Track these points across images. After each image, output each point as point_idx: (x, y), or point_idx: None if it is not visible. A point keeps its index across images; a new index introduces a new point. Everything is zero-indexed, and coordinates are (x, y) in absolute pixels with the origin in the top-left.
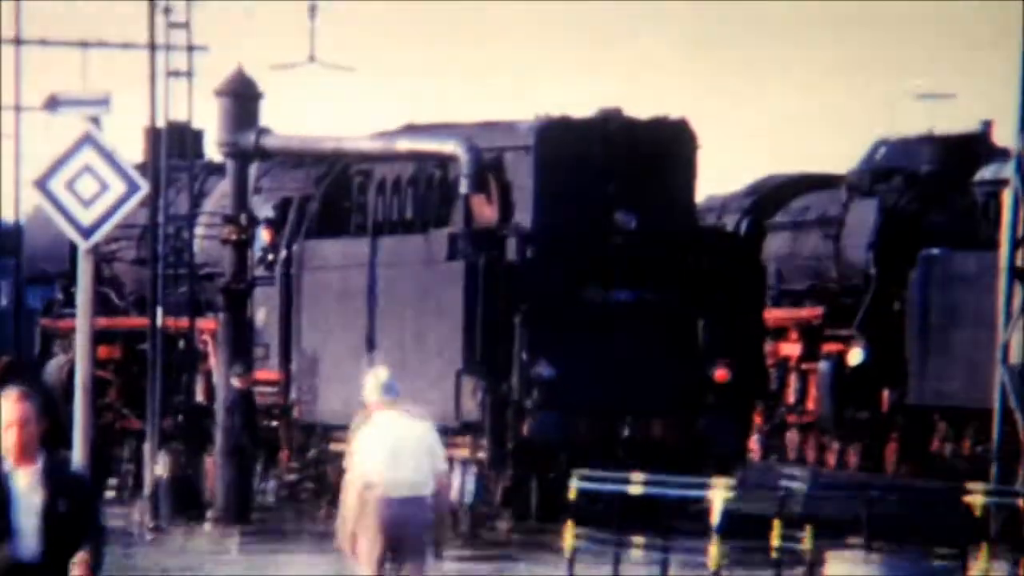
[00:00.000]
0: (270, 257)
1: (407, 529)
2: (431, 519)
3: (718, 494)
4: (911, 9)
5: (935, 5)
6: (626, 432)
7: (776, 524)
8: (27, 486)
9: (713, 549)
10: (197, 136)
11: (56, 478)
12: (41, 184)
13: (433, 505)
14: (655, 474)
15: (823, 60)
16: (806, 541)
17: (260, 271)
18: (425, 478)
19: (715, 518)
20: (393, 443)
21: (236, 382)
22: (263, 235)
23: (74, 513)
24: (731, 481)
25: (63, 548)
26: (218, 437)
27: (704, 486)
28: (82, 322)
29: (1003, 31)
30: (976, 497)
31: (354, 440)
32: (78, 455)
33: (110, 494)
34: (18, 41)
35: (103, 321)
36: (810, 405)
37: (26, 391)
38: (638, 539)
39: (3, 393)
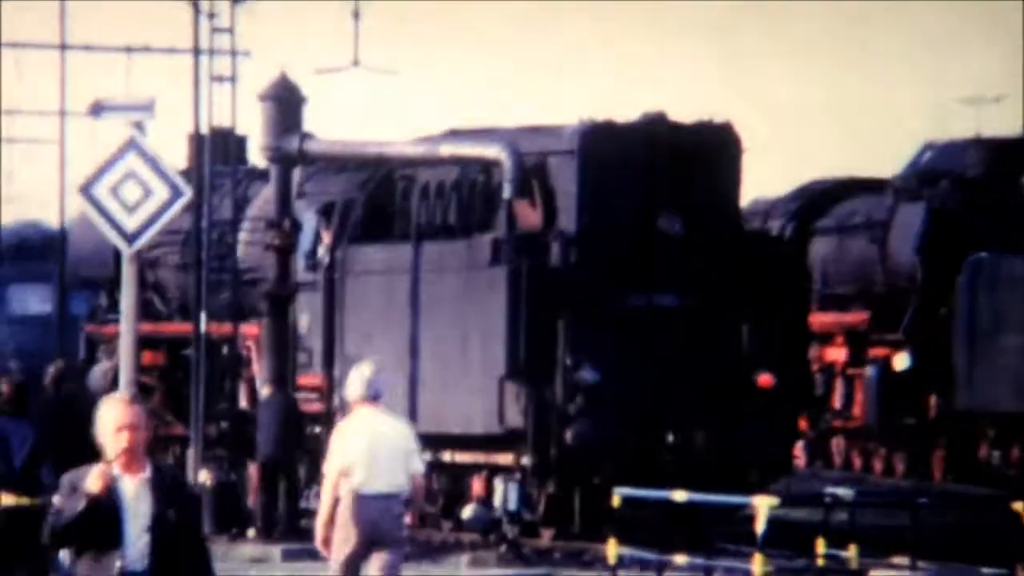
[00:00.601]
0: (319, 258)
1: (381, 527)
2: (405, 517)
3: (763, 503)
4: (956, 12)
5: (980, 7)
6: (670, 438)
7: (821, 536)
8: (135, 495)
9: (757, 563)
10: (241, 142)
11: (165, 487)
12: (86, 190)
13: (407, 504)
14: (699, 480)
15: (869, 64)
16: (851, 554)
17: (304, 274)
18: (401, 477)
19: (760, 528)
20: (371, 440)
21: (265, 390)
22: (322, 236)
23: (182, 525)
24: (775, 495)
25: (171, 560)
26: (258, 446)
27: (748, 500)
28: (126, 328)
29: None
30: None
31: (335, 436)
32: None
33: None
34: (62, 46)
35: (147, 327)
36: (856, 411)
37: (135, 395)
38: (680, 557)
39: (112, 396)
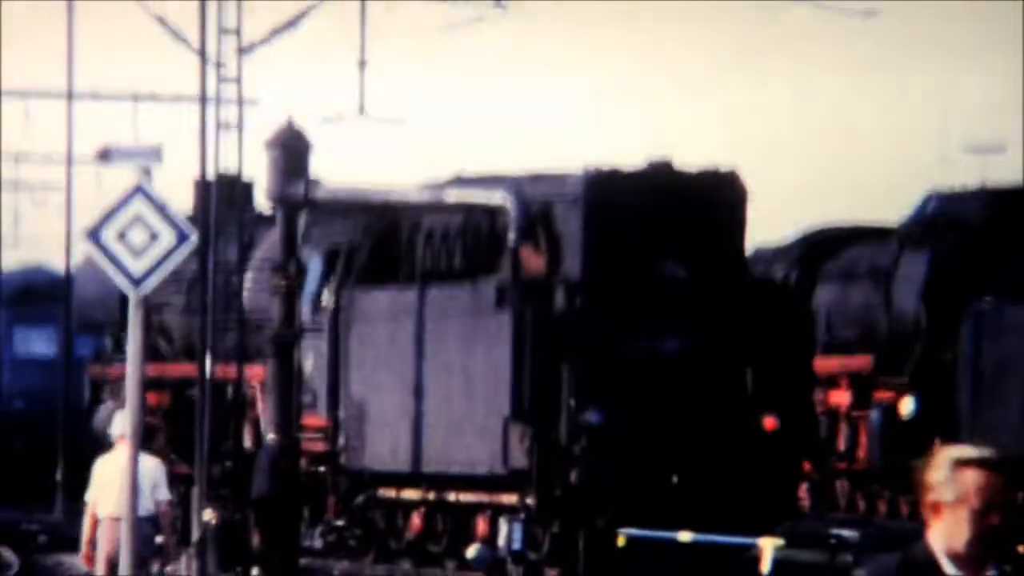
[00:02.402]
0: (323, 301)
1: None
2: (152, 540)
3: (768, 544)
4: (960, 60)
5: (985, 55)
6: (674, 480)
7: None
8: None
9: None
10: (247, 188)
11: None
12: (92, 234)
13: (156, 528)
14: (704, 523)
15: (873, 110)
16: None
17: (309, 317)
18: (146, 504)
19: (764, 569)
20: (123, 472)
21: (271, 437)
22: (327, 279)
23: None
24: (781, 536)
25: None
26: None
27: (753, 541)
28: (132, 369)
29: None
30: None
31: (94, 468)
32: (127, 501)
33: (160, 539)
34: (70, 94)
35: (152, 369)
36: (860, 454)
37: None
38: None
39: (959, 454)
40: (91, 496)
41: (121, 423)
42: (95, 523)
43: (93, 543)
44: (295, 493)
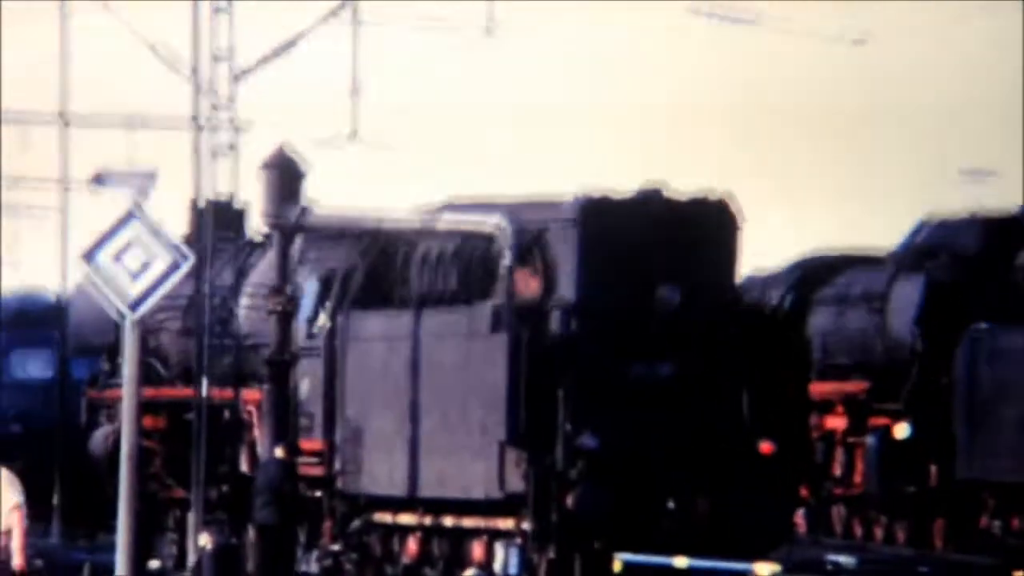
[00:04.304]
0: (320, 324)
1: None
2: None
3: (764, 570)
4: (954, 86)
5: (979, 82)
6: (670, 505)
7: None
8: None
9: None
10: (239, 213)
11: None
12: (88, 257)
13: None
14: (699, 548)
15: (864, 139)
16: None
17: (304, 340)
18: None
19: None
20: None
21: (279, 453)
22: (323, 302)
23: None
24: (777, 562)
25: None
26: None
27: (749, 567)
28: (128, 392)
29: None
30: None
31: None
32: (123, 525)
33: (155, 564)
34: (64, 120)
35: (148, 391)
36: (857, 479)
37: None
38: None
39: None
40: None
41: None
42: None
43: None
44: (295, 517)
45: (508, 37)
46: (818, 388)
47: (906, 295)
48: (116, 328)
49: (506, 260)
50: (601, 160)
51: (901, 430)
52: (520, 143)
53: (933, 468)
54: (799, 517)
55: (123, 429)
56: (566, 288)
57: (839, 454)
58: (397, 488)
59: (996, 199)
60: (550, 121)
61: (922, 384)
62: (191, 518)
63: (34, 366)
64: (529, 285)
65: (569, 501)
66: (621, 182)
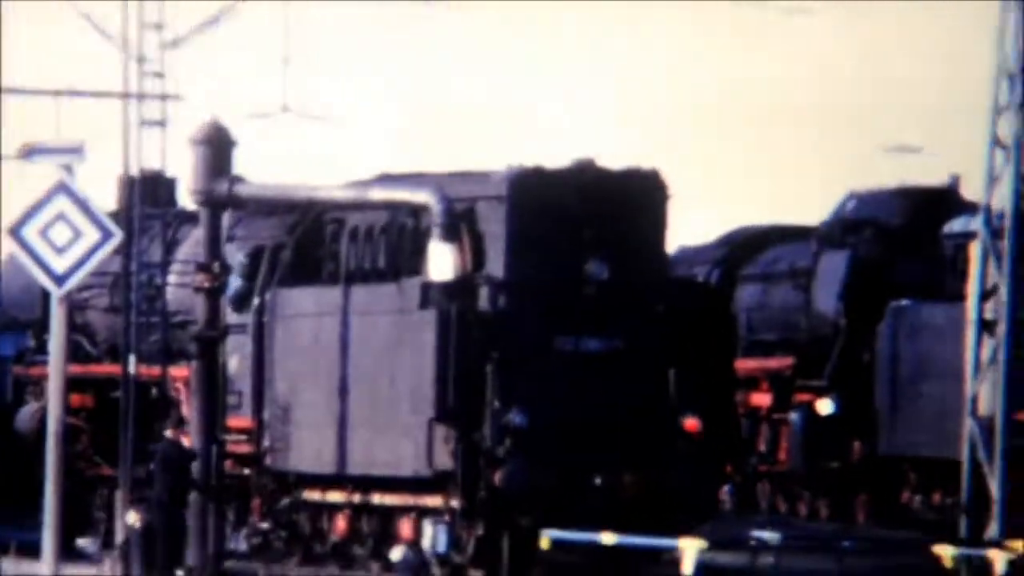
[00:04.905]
0: (247, 301)
1: None
2: None
3: (690, 545)
4: (879, 62)
5: (904, 58)
6: (597, 482)
7: None
8: None
9: None
10: (170, 184)
11: None
12: (14, 231)
13: None
14: (627, 524)
15: (793, 113)
16: None
17: (233, 316)
18: None
19: (687, 570)
20: None
21: (168, 434)
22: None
23: None
24: (702, 538)
25: None
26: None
27: (675, 543)
28: (55, 369)
29: (972, 85)
30: (946, 549)
31: None
32: (49, 503)
33: (83, 543)
34: None
35: (75, 368)
36: (781, 456)
37: None
38: None
39: None
40: None
41: None
42: None
43: None
44: (185, 495)
45: (447, 6)
46: (744, 365)
47: (831, 270)
48: (43, 304)
49: (434, 235)
50: (533, 132)
51: (825, 406)
52: (455, 115)
53: (856, 444)
54: (724, 493)
55: (50, 407)
56: (495, 263)
57: (764, 431)
58: (326, 465)
59: (923, 175)
60: (484, 91)
61: (845, 360)
62: (119, 496)
63: None
64: (457, 260)
65: (497, 478)
66: (555, 155)
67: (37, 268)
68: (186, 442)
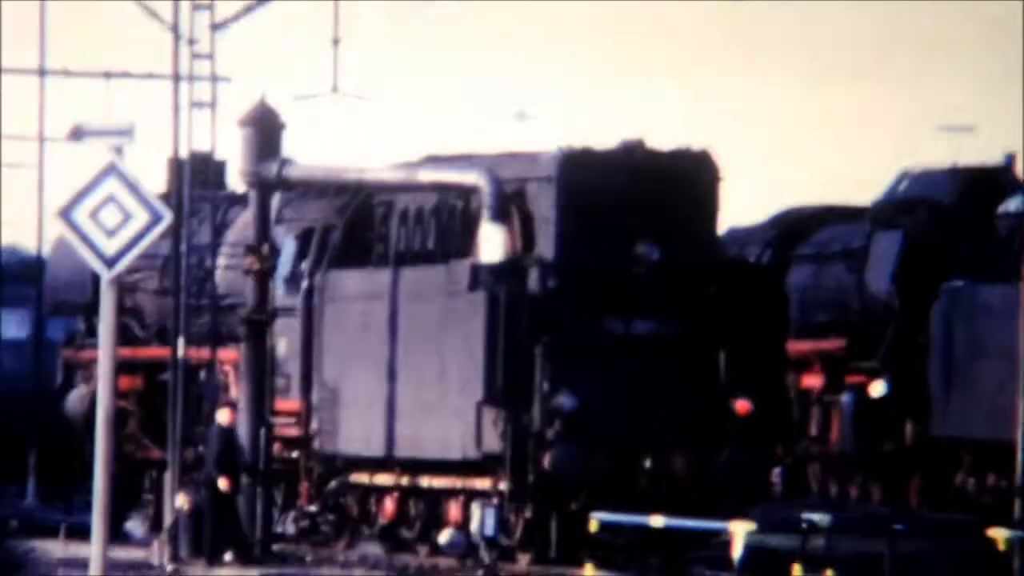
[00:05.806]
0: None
1: None
2: None
3: (740, 528)
4: (932, 42)
5: (956, 38)
6: (647, 465)
7: (798, 562)
8: None
9: None
10: (220, 167)
11: None
12: (64, 214)
13: None
14: (676, 507)
15: (845, 92)
16: None
17: (282, 299)
18: None
19: (736, 553)
20: None
21: (220, 418)
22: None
23: None
24: (752, 520)
25: None
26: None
27: (724, 526)
28: (105, 353)
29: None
30: (999, 532)
31: None
32: (99, 487)
33: (131, 525)
34: (41, 72)
35: (125, 352)
36: (833, 438)
37: None
38: None
39: None
40: None
41: None
42: None
43: None
44: (239, 482)
45: None
46: (795, 346)
47: (884, 251)
48: (93, 287)
49: (484, 217)
50: (584, 115)
51: (877, 388)
52: (505, 97)
53: (909, 426)
54: (774, 476)
55: (99, 390)
56: (545, 244)
57: (815, 413)
58: (374, 448)
59: (976, 154)
60: (534, 74)
61: (898, 342)
62: (167, 479)
63: (10, 326)
64: (508, 242)
65: (546, 461)
66: (604, 139)
67: (87, 250)
68: (228, 419)
